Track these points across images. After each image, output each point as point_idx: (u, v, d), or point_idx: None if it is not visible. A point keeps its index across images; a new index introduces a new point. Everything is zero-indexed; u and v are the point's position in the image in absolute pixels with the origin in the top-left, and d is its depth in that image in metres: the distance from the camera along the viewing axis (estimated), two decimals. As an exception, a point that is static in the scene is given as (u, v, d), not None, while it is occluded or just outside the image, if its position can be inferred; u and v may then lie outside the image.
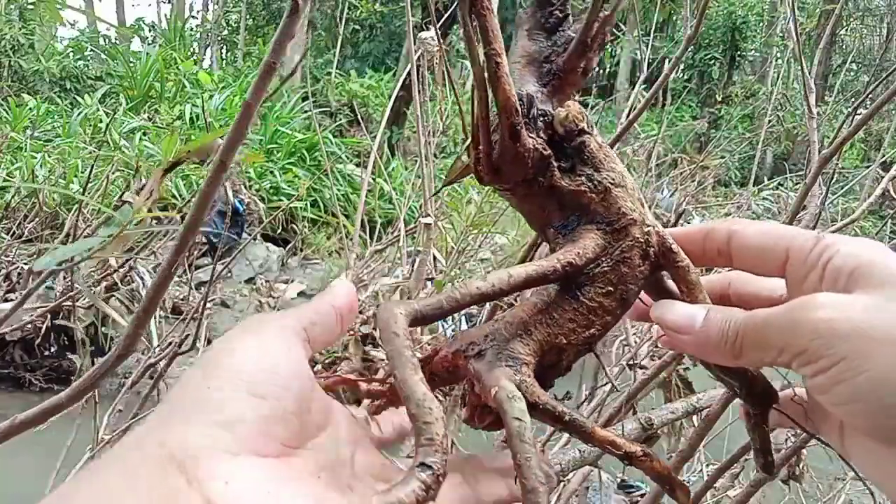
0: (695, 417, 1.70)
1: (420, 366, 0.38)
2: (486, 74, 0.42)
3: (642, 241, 0.46)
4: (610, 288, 0.46)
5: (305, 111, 10.27)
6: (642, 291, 0.49)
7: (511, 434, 0.38)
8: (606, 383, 1.98)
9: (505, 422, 0.39)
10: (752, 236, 0.45)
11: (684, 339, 0.44)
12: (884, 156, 3.39)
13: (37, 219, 6.63)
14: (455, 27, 10.25)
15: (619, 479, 3.03)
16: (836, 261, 0.39)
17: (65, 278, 5.72)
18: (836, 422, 0.42)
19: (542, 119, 0.45)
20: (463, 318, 4.58)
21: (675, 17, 16.01)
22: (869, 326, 0.35)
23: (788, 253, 0.42)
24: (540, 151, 0.45)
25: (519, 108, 0.43)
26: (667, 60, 1.50)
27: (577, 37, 0.45)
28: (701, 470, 2.44)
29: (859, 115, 1.34)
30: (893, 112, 9.96)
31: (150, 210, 0.58)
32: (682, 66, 13.55)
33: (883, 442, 0.37)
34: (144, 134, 8.86)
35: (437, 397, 0.36)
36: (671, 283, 0.50)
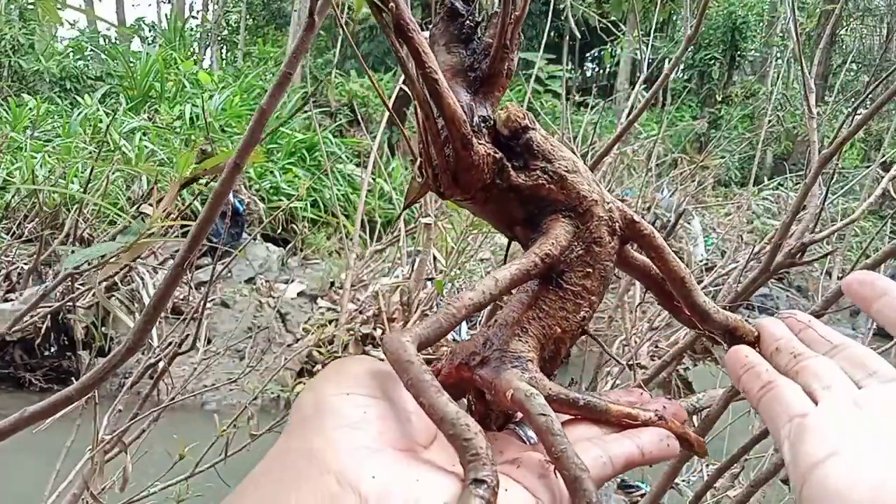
0: (695, 417, 1.70)
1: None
2: (426, 93, 0.43)
3: (606, 217, 0.48)
4: (588, 269, 0.47)
5: (305, 111, 10.27)
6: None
7: (541, 430, 0.38)
8: (606, 375, 1.98)
9: (531, 421, 0.39)
10: None
11: None
12: (884, 156, 3.39)
13: (37, 219, 6.63)
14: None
15: (619, 479, 3.03)
16: None
17: (67, 279, 5.71)
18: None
19: (484, 124, 0.47)
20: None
21: (675, 17, 16.01)
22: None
23: None
24: (492, 155, 0.46)
25: (466, 119, 0.44)
26: (667, 60, 1.50)
27: (495, 42, 0.47)
28: (701, 470, 2.44)
29: (859, 115, 1.34)
30: (893, 112, 9.97)
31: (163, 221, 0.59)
32: (682, 66, 13.56)
33: None
34: (144, 134, 8.85)
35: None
36: (637, 255, 0.51)
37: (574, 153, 0.50)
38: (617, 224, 0.48)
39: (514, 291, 0.48)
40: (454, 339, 4.25)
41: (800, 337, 0.49)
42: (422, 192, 0.49)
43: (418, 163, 0.47)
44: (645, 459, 0.43)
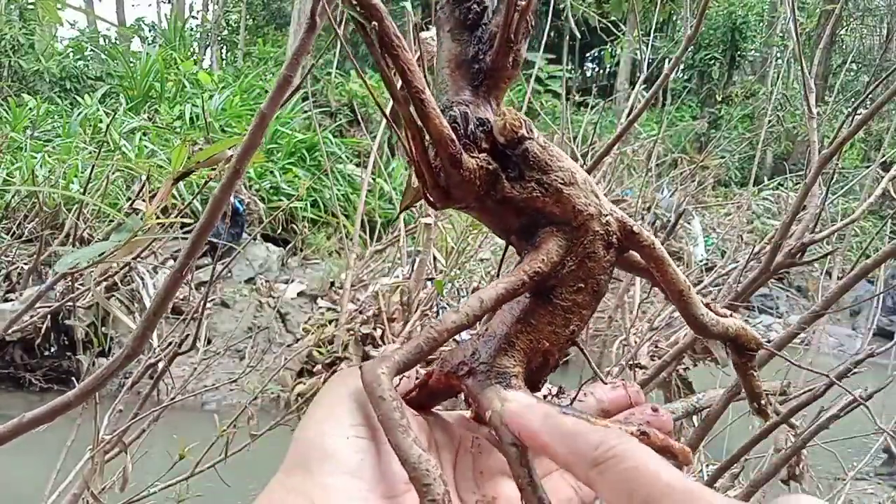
0: (695, 417, 1.70)
1: (419, 388, 0.41)
2: (413, 113, 0.41)
3: (602, 232, 0.46)
4: (581, 285, 0.46)
5: (305, 111, 10.26)
6: (621, 270, 0.50)
7: (510, 460, 0.39)
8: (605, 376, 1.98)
9: (502, 449, 0.40)
10: None
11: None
12: (884, 156, 3.39)
13: (37, 219, 6.63)
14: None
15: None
16: None
17: (65, 278, 5.71)
18: None
19: (481, 129, 0.45)
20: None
21: (675, 17, 16.00)
22: None
23: None
24: (485, 168, 0.45)
25: (454, 138, 0.43)
26: (667, 60, 1.50)
27: (499, 35, 0.44)
28: (701, 470, 2.43)
29: (859, 115, 1.34)
30: (893, 112, 9.97)
31: (158, 217, 0.59)
32: (682, 66, 13.55)
33: None
34: (144, 134, 8.85)
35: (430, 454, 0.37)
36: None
37: (575, 154, 0.50)
38: (614, 237, 0.47)
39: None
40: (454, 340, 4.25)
41: None
42: (418, 196, 0.48)
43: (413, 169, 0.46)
44: None
